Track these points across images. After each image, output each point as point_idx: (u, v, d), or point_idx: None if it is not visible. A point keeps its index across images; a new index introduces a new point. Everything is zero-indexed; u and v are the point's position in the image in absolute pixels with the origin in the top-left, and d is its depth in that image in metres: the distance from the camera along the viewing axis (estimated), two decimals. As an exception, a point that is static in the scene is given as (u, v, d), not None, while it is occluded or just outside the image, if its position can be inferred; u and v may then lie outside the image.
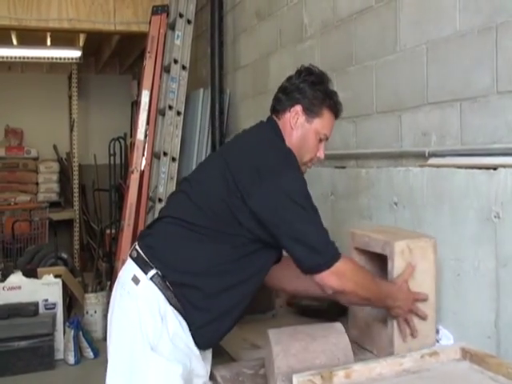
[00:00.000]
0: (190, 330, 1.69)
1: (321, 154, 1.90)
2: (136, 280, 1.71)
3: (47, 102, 8.82)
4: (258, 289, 1.79)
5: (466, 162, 1.86)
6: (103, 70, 9.16)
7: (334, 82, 2.72)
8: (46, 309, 4.33)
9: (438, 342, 1.77)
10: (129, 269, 1.76)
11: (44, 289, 4.37)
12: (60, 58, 7.78)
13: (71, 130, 8.78)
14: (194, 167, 4.30)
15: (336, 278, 1.61)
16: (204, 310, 1.69)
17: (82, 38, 7.22)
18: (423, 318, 1.72)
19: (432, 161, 2.03)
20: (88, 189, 8.93)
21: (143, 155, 4.44)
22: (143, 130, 4.42)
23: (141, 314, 1.67)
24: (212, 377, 1.69)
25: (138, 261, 1.74)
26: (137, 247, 1.78)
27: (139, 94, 4.62)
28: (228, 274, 1.70)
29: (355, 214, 2.48)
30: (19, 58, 7.74)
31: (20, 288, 4.27)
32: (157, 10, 4.57)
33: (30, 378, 3.93)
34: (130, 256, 1.78)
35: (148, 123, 4.43)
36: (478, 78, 1.87)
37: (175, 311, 1.68)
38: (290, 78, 1.95)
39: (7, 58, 7.58)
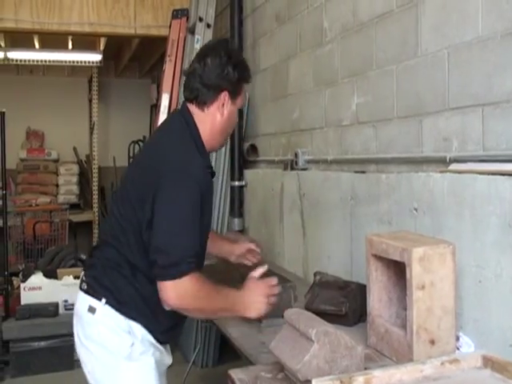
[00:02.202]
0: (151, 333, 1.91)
1: (237, 120, 2.12)
2: (92, 310, 1.88)
3: (68, 104, 8.91)
4: None
5: (487, 169, 1.84)
6: (123, 74, 9.24)
7: (353, 86, 2.75)
8: (66, 309, 4.37)
9: (458, 349, 1.75)
10: (82, 301, 1.93)
11: (64, 290, 4.41)
12: (81, 62, 7.87)
13: (91, 133, 8.85)
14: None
15: (174, 295, 1.73)
16: (156, 318, 1.89)
17: (102, 42, 7.29)
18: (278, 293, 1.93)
19: (453, 166, 2.02)
20: (107, 191, 9.00)
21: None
22: (163, 134, 4.44)
23: (106, 336, 1.86)
24: (230, 379, 1.69)
25: (88, 292, 1.92)
26: (84, 278, 1.96)
27: (159, 98, 4.64)
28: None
29: (375, 219, 2.47)
30: (41, 61, 7.83)
31: (40, 288, 4.33)
32: (177, 14, 4.60)
33: (50, 378, 3.97)
34: (81, 288, 1.95)
35: (167, 126, 4.44)
36: (501, 82, 1.85)
37: (136, 323, 1.88)
38: (204, 64, 1.94)
39: (29, 61, 7.67)
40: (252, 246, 2.48)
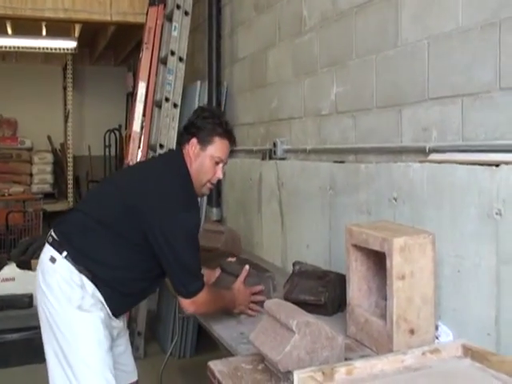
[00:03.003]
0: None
1: (218, 175, 2.28)
2: (53, 260, 2.10)
3: (42, 92, 8.77)
4: (156, 281, 2.28)
5: (467, 158, 1.85)
6: (98, 62, 9.12)
7: (333, 75, 2.74)
8: (40, 301, 4.30)
9: (437, 338, 1.76)
10: (46, 251, 2.15)
11: (38, 281, 4.33)
12: (55, 49, 7.74)
13: (66, 121, 8.74)
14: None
15: (194, 307, 2.08)
16: (108, 287, 2.09)
17: (77, 29, 7.17)
18: (262, 303, 1.96)
19: (432, 156, 2.02)
20: (82, 180, 8.90)
21: (139, 147, 4.41)
22: (139, 122, 4.39)
23: (60, 285, 2.06)
24: (209, 371, 1.67)
25: (53, 244, 2.13)
26: (52, 233, 2.17)
27: (135, 86, 4.59)
28: (124, 268, 2.13)
29: (354, 208, 2.47)
30: (14, 47, 7.68)
31: (14, 280, 4.25)
32: (154, 1, 4.53)
33: (25, 371, 3.91)
34: (47, 241, 2.17)
35: (144, 115, 4.40)
36: (481, 74, 1.86)
37: (88, 280, 2.07)
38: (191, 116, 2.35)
39: (1, 47, 7.52)
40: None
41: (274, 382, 1.54)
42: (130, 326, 4.30)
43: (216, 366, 1.64)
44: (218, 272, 2.48)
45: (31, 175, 8.43)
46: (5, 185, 8.03)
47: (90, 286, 2.07)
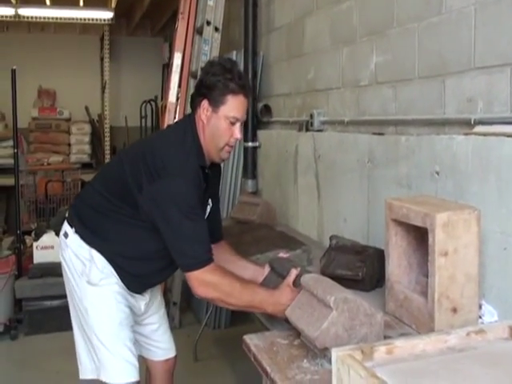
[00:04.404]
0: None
1: (236, 135, 2.05)
2: (66, 234, 2.14)
3: (79, 63, 8.81)
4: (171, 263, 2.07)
5: (515, 131, 1.76)
6: (135, 32, 9.10)
7: (372, 45, 2.65)
8: (78, 269, 4.36)
9: (480, 317, 1.71)
10: (63, 226, 2.18)
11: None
12: (92, 19, 7.75)
13: (103, 92, 8.77)
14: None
15: (201, 287, 1.88)
16: (117, 264, 2.06)
17: (113, -1, 7.15)
18: None
19: (478, 129, 1.94)
20: (119, 150, 8.95)
21: (175, 118, 4.40)
22: (175, 93, 4.36)
23: (72, 260, 2.10)
24: (245, 345, 1.66)
25: (67, 219, 2.17)
26: (69, 210, 2.22)
27: (171, 57, 4.54)
28: (128, 246, 2.08)
29: (393, 182, 2.40)
30: (52, 18, 7.71)
31: (53, 248, 4.30)
32: (190, -30, 4.45)
33: (63, 337, 3.99)
34: (65, 217, 2.20)
35: (180, 86, 4.36)
36: (532, 41, 1.76)
37: (98, 253, 2.06)
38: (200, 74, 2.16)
39: (40, 18, 7.56)
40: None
41: (311, 358, 1.52)
42: (166, 296, 4.34)
43: (252, 340, 1.63)
44: (266, 270, 2.14)
45: (69, 145, 8.52)
46: (44, 154, 8.14)
47: (99, 260, 2.06)
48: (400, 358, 1.19)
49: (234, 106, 2.01)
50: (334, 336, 1.45)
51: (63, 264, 2.16)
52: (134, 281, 2.13)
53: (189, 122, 2.08)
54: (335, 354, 1.17)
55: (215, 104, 2.00)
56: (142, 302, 2.22)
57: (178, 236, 1.91)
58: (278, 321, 1.82)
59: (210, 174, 2.10)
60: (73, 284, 2.11)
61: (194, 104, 2.07)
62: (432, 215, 1.60)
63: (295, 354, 1.55)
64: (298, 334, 1.61)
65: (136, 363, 2.10)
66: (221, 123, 2.01)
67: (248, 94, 2.07)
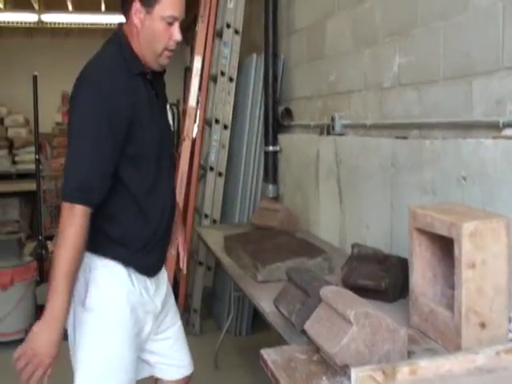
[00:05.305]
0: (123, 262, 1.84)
1: (176, 37, 1.84)
2: None
3: (101, 68, 8.84)
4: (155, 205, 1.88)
5: (547, 134, 1.67)
6: (157, 36, 9.09)
7: (395, 45, 2.56)
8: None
9: (510, 332, 1.61)
10: None
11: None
12: (114, 24, 7.75)
13: (125, 97, 8.78)
14: (246, 135, 4.19)
15: (68, 215, 1.66)
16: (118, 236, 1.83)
17: (135, 3, 7.15)
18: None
19: (507, 132, 1.84)
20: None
21: (195, 122, 4.35)
22: (195, 97, 4.32)
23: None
24: (262, 360, 1.59)
25: None
26: None
27: (192, 60, 4.50)
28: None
29: (417, 188, 2.31)
30: (74, 24, 7.76)
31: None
32: (210, -28, 4.41)
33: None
34: None
35: (200, 89, 4.32)
36: None
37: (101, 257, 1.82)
38: None
39: (63, 24, 7.62)
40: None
41: (330, 375, 1.44)
42: (186, 302, 4.30)
43: (269, 355, 1.55)
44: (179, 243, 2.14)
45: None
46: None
47: (100, 271, 1.83)
48: (424, 379, 1.12)
49: (169, 3, 1.80)
50: (354, 352, 1.38)
51: None
52: (143, 252, 1.88)
53: (116, 33, 1.90)
54: (355, 374, 1.10)
55: (148, 4, 1.79)
56: (157, 299, 1.97)
57: (71, 148, 1.73)
58: (296, 334, 1.74)
59: (157, 83, 1.94)
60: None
61: (125, 8, 1.85)
62: (458, 225, 1.51)
63: (314, 371, 1.47)
64: (317, 348, 1.54)
65: None
66: (156, 25, 1.81)
67: None
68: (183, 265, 2.20)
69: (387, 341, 1.41)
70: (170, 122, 2.02)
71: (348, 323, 1.39)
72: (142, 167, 1.84)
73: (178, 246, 2.22)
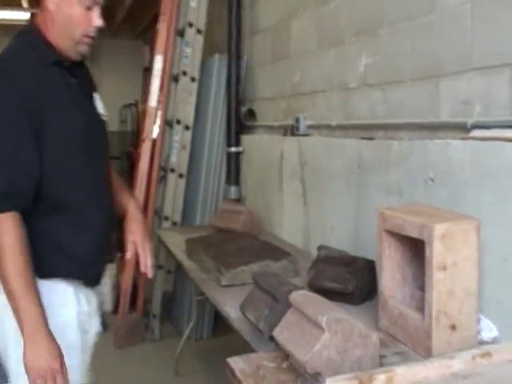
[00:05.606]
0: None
1: (96, 22, 1.70)
2: None
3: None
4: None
5: (516, 135, 1.66)
6: (116, 35, 8.94)
7: (361, 46, 2.54)
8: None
9: (478, 333, 1.59)
10: None
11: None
12: (22, 20, 7.58)
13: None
14: (208, 136, 4.12)
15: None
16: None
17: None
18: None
19: (475, 133, 1.83)
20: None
21: (155, 123, 4.26)
22: (156, 97, 4.22)
23: None
24: (229, 369, 1.52)
25: None
26: None
27: (152, 60, 4.41)
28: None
29: (383, 189, 2.29)
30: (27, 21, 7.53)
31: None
32: (171, -30, 4.32)
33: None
34: None
35: (161, 90, 4.23)
36: (533, 40, 1.66)
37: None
38: None
39: (16, 21, 7.41)
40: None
41: (301, 383, 1.39)
42: (145, 307, 4.20)
43: (236, 363, 1.49)
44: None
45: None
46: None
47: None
48: (401, 386, 1.08)
49: None
50: (326, 359, 1.33)
51: None
52: (89, 263, 1.77)
53: (26, 25, 1.77)
54: (330, 383, 1.05)
55: None
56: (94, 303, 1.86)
57: None
58: (264, 340, 1.68)
59: (77, 72, 1.80)
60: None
61: None
62: (429, 226, 1.48)
63: (283, 379, 1.41)
64: (286, 355, 1.48)
65: None
66: (73, 10, 1.66)
67: None
68: (145, 268, 1.96)
69: (359, 346, 1.36)
70: (101, 110, 1.88)
71: (319, 329, 1.34)
72: (66, 160, 1.69)
73: (137, 249, 1.98)
